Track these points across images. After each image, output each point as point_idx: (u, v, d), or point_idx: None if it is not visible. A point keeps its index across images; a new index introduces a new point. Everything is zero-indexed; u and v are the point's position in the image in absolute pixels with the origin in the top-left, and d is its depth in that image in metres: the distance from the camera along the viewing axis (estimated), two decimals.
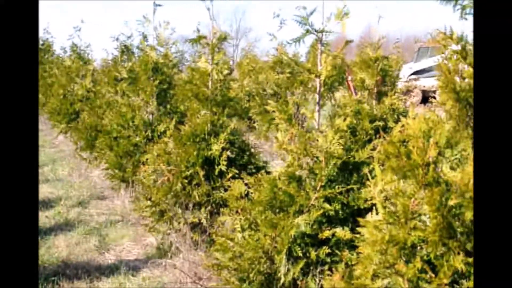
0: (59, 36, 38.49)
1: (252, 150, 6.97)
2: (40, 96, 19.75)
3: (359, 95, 9.16)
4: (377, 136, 8.54)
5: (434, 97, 24.74)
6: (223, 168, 6.39)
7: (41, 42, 26.38)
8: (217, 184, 6.41)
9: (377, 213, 3.10)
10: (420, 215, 2.85)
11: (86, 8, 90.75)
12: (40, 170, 11.52)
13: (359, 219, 3.00)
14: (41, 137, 16.58)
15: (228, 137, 6.57)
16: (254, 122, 14.03)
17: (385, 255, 2.73)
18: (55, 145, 15.25)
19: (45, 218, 8.06)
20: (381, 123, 8.81)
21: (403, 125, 3.27)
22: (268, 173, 6.91)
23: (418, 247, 2.83)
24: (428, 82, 24.60)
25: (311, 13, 4.52)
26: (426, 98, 24.43)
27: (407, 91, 23.79)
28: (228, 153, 6.47)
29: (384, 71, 9.58)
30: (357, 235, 4.02)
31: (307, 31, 4.51)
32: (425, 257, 2.72)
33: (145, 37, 15.12)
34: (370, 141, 7.24)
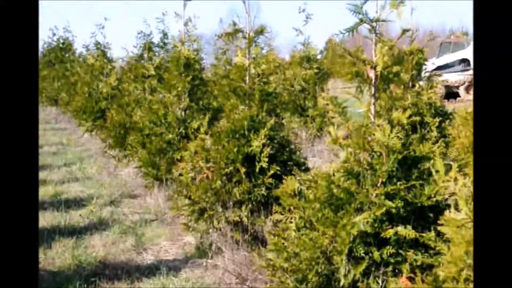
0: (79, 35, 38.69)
1: (292, 146, 6.78)
2: (63, 94, 19.75)
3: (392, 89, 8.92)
4: (413, 131, 8.32)
5: (458, 93, 24.51)
6: (264, 165, 6.19)
7: (61, 41, 26.45)
8: (259, 182, 6.22)
9: (458, 211, 2.89)
10: None
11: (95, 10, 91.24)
12: (68, 169, 11.42)
13: (443, 217, 2.79)
14: (66, 135, 16.53)
15: (268, 133, 6.37)
16: (282, 119, 13.82)
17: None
18: (81, 143, 15.13)
19: (78, 217, 7.93)
20: (417, 118, 8.60)
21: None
22: (307, 169, 6.73)
23: None
24: (451, 78, 24.30)
25: (365, 1, 4.32)
26: (449, 93, 24.18)
27: (431, 86, 23.49)
28: (269, 149, 6.28)
29: (419, 64, 9.35)
30: (423, 234, 3.82)
31: (361, 20, 4.30)
32: None
33: (165, 35, 15.11)
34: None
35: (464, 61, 25.18)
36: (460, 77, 24.72)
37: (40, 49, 27.03)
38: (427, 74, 9.67)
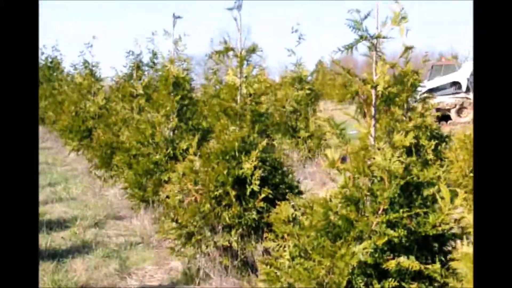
0: (68, 53, 38.52)
1: (285, 168, 6.51)
2: (50, 113, 19.43)
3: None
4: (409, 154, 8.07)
5: (449, 116, 24.37)
6: (256, 188, 5.93)
7: (49, 60, 26.14)
8: (249, 205, 5.94)
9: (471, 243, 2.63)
10: None
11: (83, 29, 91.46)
12: (52, 189, 11.11)
13: (456, 251, 2.53)
14: (51, 155, 16.19)
15: (260, 154, 6.11)
16: (273, 140, 13.58)
17: None
18: (66, 163, 14.80)
19: (60, 239, 7.62)
20: (413, 141, 8.36)
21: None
22: (300, 193, 6.47)
23: None
24: (442, 100, 24.16)
25: (365, 17, 4.08)
26: (440, 116, 24.02)
27: (427, 109, 23.30)
28: (260, 172, 6.01)
29: (414, 86, 9.13)
30: (428, 266, 3.56)
31: (361, 37, 4.06)
32: None
33: (154, 54, 14.89)
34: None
35: (456, 84, 25.10)
36: (452, 100, 24.61)
37: None
38: (422, 96, 9.48)
